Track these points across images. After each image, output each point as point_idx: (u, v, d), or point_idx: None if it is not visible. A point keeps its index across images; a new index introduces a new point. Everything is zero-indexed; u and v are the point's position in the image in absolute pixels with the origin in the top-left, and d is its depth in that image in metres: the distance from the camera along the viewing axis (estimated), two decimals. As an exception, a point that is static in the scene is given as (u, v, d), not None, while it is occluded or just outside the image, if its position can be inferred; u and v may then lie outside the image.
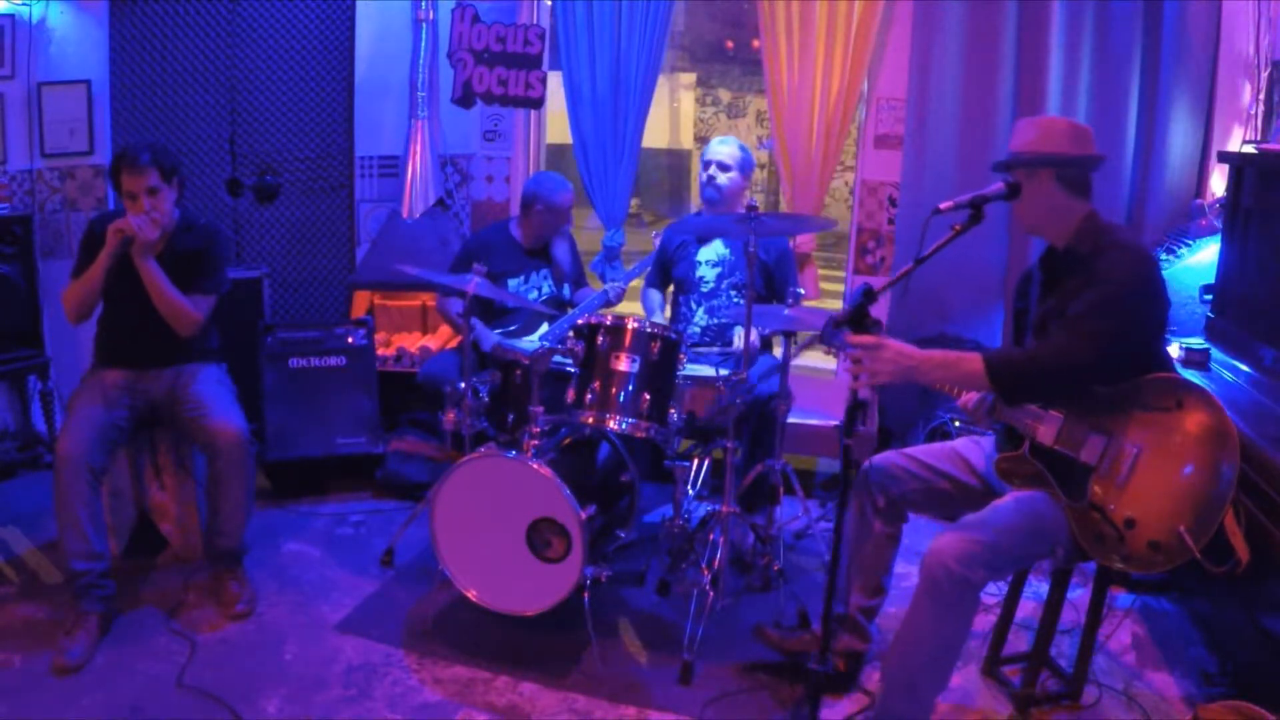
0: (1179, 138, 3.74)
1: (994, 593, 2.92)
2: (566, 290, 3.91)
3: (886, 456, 2.61)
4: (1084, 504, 2.22)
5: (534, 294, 3.80)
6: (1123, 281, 2.17)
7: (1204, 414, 2.12)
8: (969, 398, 2.32)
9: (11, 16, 3.95)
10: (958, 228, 2.22)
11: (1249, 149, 3.20)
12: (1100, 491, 2.20)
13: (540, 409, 2.88)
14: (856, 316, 2.19)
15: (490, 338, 3.58)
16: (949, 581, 2.18)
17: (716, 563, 2.87)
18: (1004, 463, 2.37)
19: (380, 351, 4.25)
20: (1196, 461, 2.11)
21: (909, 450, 2.63)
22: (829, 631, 2.27)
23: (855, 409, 2.19)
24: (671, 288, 3.82)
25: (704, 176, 3.68)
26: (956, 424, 3.64)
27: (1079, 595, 2.84)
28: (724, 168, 3.62)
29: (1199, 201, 3.63)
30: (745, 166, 3.64)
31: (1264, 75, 3.40)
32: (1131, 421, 2.19)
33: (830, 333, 2.31)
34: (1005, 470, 2.37)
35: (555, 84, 4.39)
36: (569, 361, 2.99)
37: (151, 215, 2.88)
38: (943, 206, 2.29)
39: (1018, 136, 2.37)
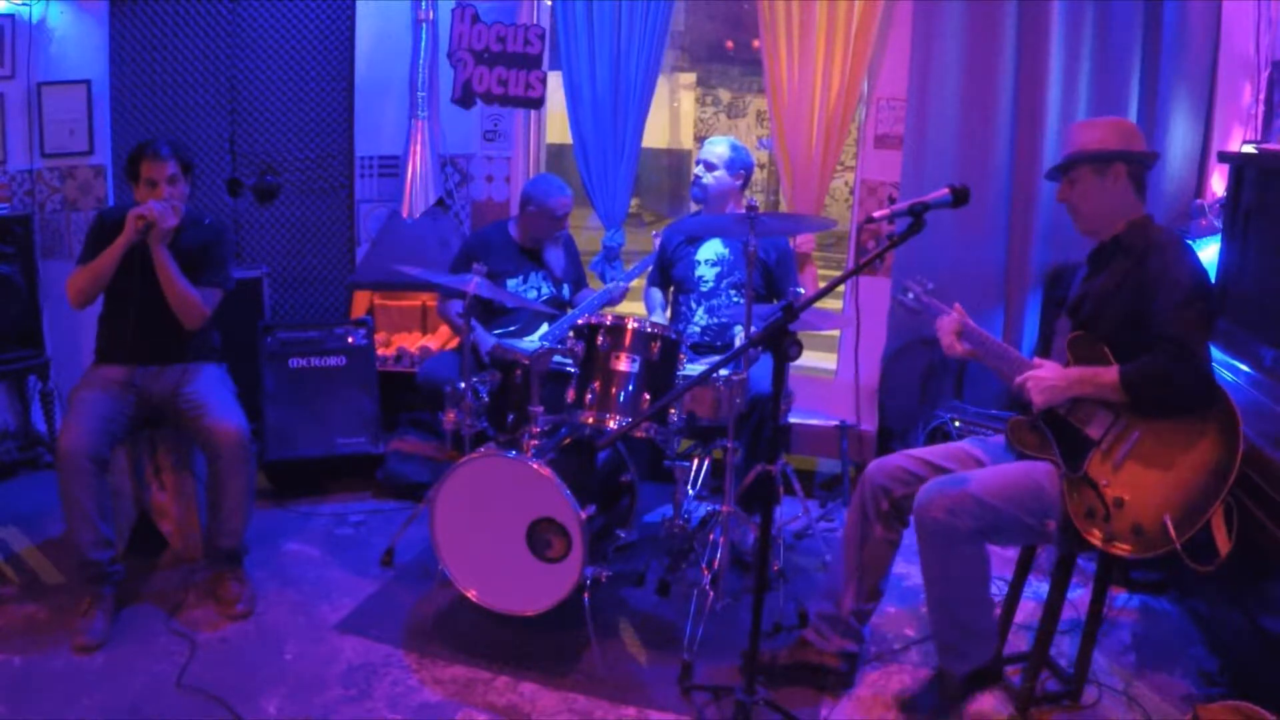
0: (1179, 138, 3.74)
1: (994, 592, 2.92)
2: (566, 291, 3.91)
3: (890, 459, 2.60)
4: (1080, 475, 2.27)
5: (533, 294, 3.79)
6: (1189, 271, 2.21)
7: (1215, 412, 2.16)
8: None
9: (11, 16, 3.94)
10: (895, 237, 2.18)
11: (1249, 149, 3.20)
12: (1097, 466, 2.26)
13: (540, 409, 2.88)
14: (773, 336, 2.13)
15: (488, 340, 3.57)
16: (935, 527, 2.28)
17: (716, 563, 2.86)
18: (1012, 425, 2.44)
19: (380, 351, 4.25)
20: (1195, 456, 2.14)
21: (913, 451, 2.62)
22: (752, 670, 2.31)
23: None
24: (672, 288, 3.82)
25: (692, 176, 3.69)
26: (956, 424, 3.64)
27: (1079, 595, 2.84)
28: (709, 166, 3.62)
29: (1199, 201, 3.63)
30: (734, 165, 3.63)
31: (1264, 75, 3.40)
32: None
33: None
34: (1013, 437, 2.43)
35: (555, 84, 4.38)
36: (569, 361, 2.99)
37: (172, 202, 2.95)
38: (877, 215, 2.27)
39: (1081, 135, 2.38)
